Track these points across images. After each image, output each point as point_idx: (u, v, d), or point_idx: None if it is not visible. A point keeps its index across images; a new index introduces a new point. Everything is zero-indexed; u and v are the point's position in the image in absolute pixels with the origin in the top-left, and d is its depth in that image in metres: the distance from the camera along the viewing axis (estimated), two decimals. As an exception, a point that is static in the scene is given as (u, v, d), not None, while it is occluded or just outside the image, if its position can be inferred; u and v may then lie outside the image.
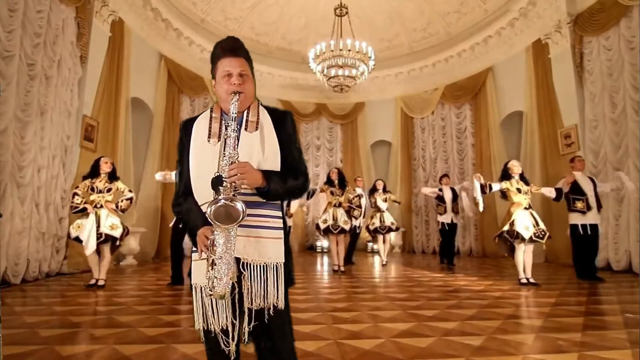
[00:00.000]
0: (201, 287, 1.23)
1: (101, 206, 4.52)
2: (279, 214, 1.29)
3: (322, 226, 6.12)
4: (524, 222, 4.68)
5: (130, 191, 4.81)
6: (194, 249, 1.25)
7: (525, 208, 4.77)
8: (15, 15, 4.68)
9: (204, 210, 1.22)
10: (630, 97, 5.83)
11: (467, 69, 9.42)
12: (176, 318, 3.04)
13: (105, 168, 4.61)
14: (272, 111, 1.38)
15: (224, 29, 9.25)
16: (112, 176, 4.68)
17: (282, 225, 1.29)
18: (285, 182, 1.25)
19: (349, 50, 7.36)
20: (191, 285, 1.28)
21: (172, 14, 8.16)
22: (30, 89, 4.93)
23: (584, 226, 5.09)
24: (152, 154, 7.78)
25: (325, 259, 8.66)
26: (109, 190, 4.61)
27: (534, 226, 4.71)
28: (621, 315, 3.15)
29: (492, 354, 2.26)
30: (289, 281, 1.29)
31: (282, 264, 1.25)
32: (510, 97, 8.37)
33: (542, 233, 4.70)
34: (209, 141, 1.29)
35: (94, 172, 4.61)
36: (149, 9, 7.64)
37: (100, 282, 4.49)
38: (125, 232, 4.71)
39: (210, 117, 1.33)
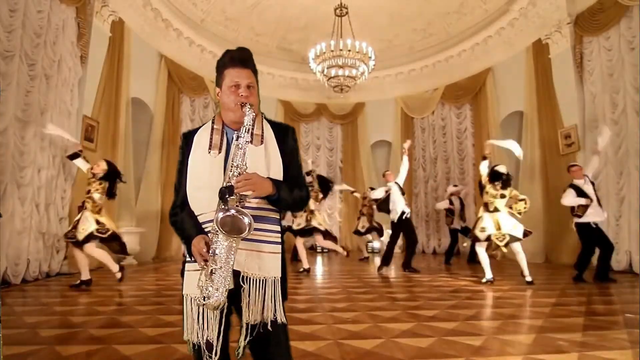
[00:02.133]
0: (192, 298, 1.22)
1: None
2: (279, 228, 1.31)
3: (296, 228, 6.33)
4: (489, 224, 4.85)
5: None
6: (189, 258, 1.25)
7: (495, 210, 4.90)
8: (15, 15, 4.68)
9: (200, 219, 1.25)
10: (630, 98, 5.83)
11: (467, 69, 9.41)
12: (176, 318, 3.04)
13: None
14: (274, 125, 1.39)
15: (224, 29, 9.25)
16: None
17: (280, 240, 1.30)
18: (292, 192, 1.28)
19: (349, 50, 7.35)
20: (182, 295, 1.27)
21: (172, 14, 8.16)
22: (30, 89, 4.93)
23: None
24: (152, 154, 7.77)
25: (325, 259, 8.66)
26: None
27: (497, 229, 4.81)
28: (621, 315, 3.15)
29: (492, 354, 2.26)
30: (283, 296, 1.30)
31: (280, 279, 1.26)
32: (511, 97, 8.37)
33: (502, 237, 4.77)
34: (209, 153, 1.28)
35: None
36: (149, 9, 7.64)
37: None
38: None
39: (212, 129, 1.33)
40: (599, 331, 2.68)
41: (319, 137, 11.37)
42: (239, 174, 1.15)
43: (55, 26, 5.37)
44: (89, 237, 4.48)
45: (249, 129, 1.20)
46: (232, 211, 1.10)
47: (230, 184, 1.14)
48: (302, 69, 9.90)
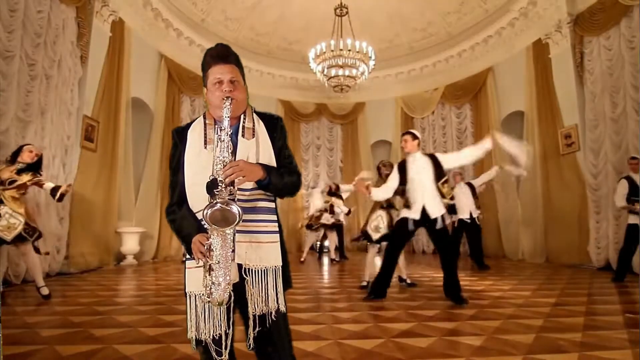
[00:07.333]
0: (195, 295, 1.23)
1: (1, 202, 3.72)
2: (275, 217, 1.32)
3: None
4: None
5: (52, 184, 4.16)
6: (188, 256, 1.25)
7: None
8: (15, 16, 4.68)
9: (199, 216, 1.22)
10: (630, 97, 5.82)
11: (467, 69, 9.41)
12: (176, 318, 3.04)
13: (26, 158, 3.90)
14: (264, 116, 1.40)
15: (224, 29, 9.24)
16: (33, 168, 3.95)
17: (277, 229, 1.31)
18: (282, 177, 1.29)
19: (349, 50, 7.35)
20: (185, 293, 1.27)
21: (172, 14, 8.16)
22: (30, 89, 4.93)
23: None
24: (152, 154, 7.77)
25: (326, 258, 8.65)
26: (12, 182, 3.77)
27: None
28: (621, 315, 3.15)
29: (492, 354, 2.26)
30: (287, 284, 1.31)
31: (281, 267, 1.28)
32: (511, 97, 8.36)
33: None
34: (205, 148, 1.29)
35: (13, 160, 3.91)
36: (149, 9, 7.64)
37: (44, 291, 3.84)
38: (33, 235, 3.86)
39: (205, 124, 1.34)
40: (599, 331, 2.68)
41: (319, 137, 11.36)
42: (225, 165, 1.15)
43: (55, 26, 5.37)
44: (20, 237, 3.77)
45: (227, 122, 1.20)
46: (218, 204, 1.09)
47: (214, 177, 1.14)
48: (302, 69, 9.89)
